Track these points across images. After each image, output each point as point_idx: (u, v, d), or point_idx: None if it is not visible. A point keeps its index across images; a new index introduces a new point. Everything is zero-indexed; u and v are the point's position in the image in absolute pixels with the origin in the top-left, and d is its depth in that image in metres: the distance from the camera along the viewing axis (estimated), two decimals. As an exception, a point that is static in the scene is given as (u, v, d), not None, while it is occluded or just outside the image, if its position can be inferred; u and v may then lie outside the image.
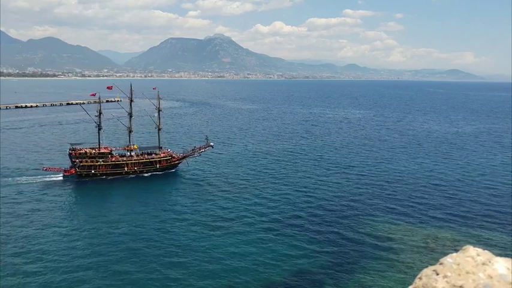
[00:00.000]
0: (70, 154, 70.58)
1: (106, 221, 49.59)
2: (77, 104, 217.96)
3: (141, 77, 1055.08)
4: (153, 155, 75.18)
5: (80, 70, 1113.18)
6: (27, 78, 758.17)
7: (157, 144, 77.18)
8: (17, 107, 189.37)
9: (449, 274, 2.32)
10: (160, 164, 74.19)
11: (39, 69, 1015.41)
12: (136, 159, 73.13)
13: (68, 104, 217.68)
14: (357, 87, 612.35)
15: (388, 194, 60.97)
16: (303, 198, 58.62)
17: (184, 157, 76.78)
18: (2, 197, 57.68)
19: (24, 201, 56.46)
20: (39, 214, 51.64)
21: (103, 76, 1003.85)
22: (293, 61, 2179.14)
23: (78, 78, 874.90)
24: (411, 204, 56.55)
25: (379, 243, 43.08)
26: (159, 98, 79.33)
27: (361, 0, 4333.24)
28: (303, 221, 49.61)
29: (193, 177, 71.35)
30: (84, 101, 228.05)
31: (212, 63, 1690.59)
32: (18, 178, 66.67)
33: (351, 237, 44.97)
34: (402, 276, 35.94)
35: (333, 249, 41.88)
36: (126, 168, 71.86)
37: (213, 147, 79.39)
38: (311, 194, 60.56)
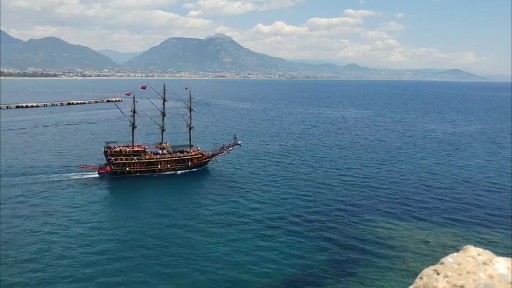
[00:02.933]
0: (105, 152, 72.00)
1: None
2: (77, 104, 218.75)
3: (141, 76, 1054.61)
4: (185, 153, 76.41)
5: (81, 70, 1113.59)
6: (27, 78, 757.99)
7: (188, 143, 78.84)
8: (17, 106, 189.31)
9: (450, 274, 2.32)
10: (191, 162, 75.65)
11: (40, 69, 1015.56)
12: (169, 157, 74.49)
13: (68, 103, 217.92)
14: (358, 87, 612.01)
15: (389, 195, 61.00)
16: (304, 200, 58.73)
17: (213, 155, 78.35)
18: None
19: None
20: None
21: (104, 76, 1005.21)
22: (294, 61, 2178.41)
23: (78, 78, 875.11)
24: (412, 204, 56.61)
25: (380, 243, 43.16)
26: (190, 98, 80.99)
27: (363, 0, 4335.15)
28: (304, 222, 49.72)
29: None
30: (85, 101, 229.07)
31: (213, 63, 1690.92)
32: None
33: (352, 237, 45.06)
34: (403, 275, 36.01)
35: (334, 250, 41.98)
36: (159, 166, 73.32)
37: (240, 145, 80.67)
38: (312, 196, 60.63)
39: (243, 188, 63.78)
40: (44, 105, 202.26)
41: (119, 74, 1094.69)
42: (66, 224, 48.41)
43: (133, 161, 71.57)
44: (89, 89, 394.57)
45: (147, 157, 73.34)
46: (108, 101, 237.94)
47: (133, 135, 74.23)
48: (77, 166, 72.27)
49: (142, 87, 79.25)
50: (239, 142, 79.31)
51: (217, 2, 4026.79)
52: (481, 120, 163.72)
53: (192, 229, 46.96)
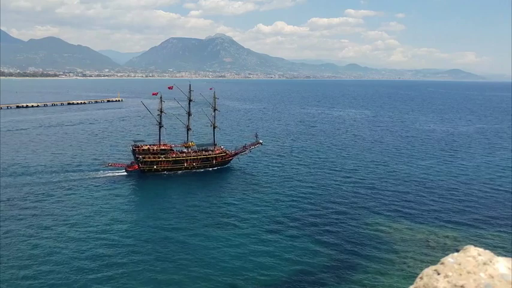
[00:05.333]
0: (133, 150, 73.22)
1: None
2: (77, 103, 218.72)
3: (142, 76, 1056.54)
4: (209, 151, 77.91)
5: (81, 70, 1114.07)
6: (28, 78, 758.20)
7: (212, 141, 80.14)
8: (18, 106, 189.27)
9: (450, 274, 2.32)
10: (216, 160, 77.19)
11: (40, 69, 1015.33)
12: (194, 156, 75.95)
13: (69, 103, 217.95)
14: (359, 87, 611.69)
15: (389, 195, 61.02)
16: (304, 200, 58.76)
17: (236, 154, 79.73)
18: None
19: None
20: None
21: (104, 76, 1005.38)
22: (294, 61, 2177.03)
23: (79, 78, 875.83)
24: (412, 204, 56.67)
25: (380, 243, 43.22)
26: (215, 98, 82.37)
27: (363, 0, 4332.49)
28: (304, 222, 49.79)
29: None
30: (85, 101, 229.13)
31: (213, 63, 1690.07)
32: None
33: (352, 237, 45.12)
34: (403, 276, 36.05)
35: (334, 250, 42.03)
36: (185, 164, 74.83)
37: (262, 144, 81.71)
38: (312, 196, 60.67)
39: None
40: (45, 105, 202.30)
41: (119, 74, 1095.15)
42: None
43: (160, 159, 72.97)
44: (89, 89, 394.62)
45: (174, 155, 74.94)
46: (108, 100, 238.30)
47: (160, 134, 75.53)
48: (102, 164, 73.71)
49: (169, 88, 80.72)
50: (261, 141, 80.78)
51: (218, 2, 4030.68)
52: (481, 120, 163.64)
53: (197, 233, 46.57)
